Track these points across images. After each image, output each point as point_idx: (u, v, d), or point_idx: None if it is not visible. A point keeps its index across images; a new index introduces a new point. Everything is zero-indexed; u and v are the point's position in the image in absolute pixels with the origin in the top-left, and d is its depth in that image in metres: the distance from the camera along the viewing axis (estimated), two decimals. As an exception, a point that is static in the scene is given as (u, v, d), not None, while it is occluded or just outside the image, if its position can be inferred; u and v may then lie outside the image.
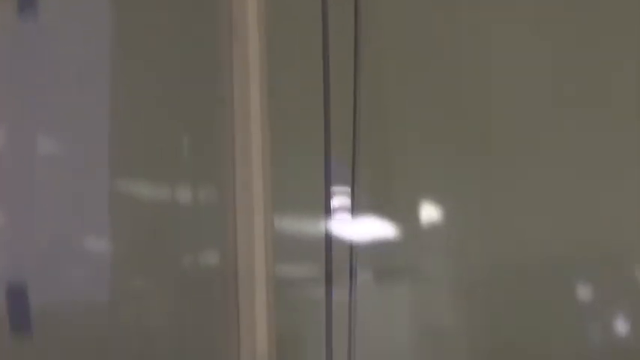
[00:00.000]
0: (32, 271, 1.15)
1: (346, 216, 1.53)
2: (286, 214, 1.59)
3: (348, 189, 1.52)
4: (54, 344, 1.19)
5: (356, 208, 1.52)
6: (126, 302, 1.36)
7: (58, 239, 1.22)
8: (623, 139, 1.46)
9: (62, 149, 1.29)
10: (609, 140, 1.46)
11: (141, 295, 1.38)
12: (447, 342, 1.53)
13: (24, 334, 1.12)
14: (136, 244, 1.40)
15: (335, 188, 1.52)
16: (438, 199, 1.56)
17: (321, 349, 1.46)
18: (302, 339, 1.56)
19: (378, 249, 1.54)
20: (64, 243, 1.23)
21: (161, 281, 1.43)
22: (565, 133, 1.48)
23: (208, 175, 1.54)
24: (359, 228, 1.52)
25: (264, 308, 1.52)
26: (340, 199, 1.52)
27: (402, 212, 1.56)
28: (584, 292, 1.49)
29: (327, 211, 1.52)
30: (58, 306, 1.21)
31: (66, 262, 1.23)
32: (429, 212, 1.57)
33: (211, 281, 1.53)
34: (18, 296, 1.11)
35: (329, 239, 1.52)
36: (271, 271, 1.52)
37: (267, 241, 1.51)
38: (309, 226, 1.57)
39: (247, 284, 1.50)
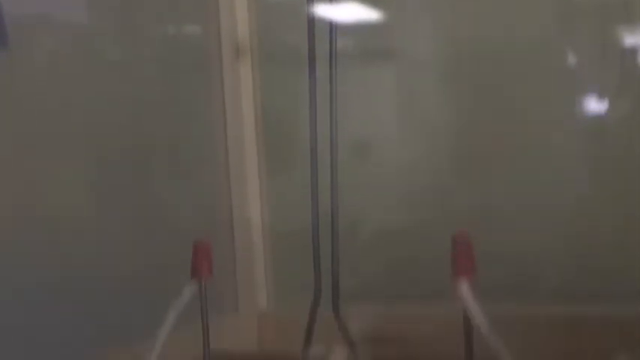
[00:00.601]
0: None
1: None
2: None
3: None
4: (31, 58, 1.20)
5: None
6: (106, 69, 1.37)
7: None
8: None
9: None
10: None
11: (122, 52, 1.39)
12: (426, 118, 1.55)
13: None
14: (114, 14, 1.40)
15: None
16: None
17: (305, 126, 1.48)
18: (286, 118, 1.58)
19: (360, 30, 1.55)
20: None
21: (142, 49, 1.44)
22: None
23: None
24: (341, 7, 1.52)
25: (249, 83, 1.54)
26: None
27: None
28: (572, 68, 1.47)
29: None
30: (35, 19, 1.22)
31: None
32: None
33: (194, 52, 1.54)
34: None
35: (311, 19, 1.52)
36: (255, 45, 1.53)
37: (250, 11, 1.51)
38: (290, 6, 1.57)
39: (230, 55, 1.52)
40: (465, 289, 1.04)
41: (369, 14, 1.54)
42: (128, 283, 1.37)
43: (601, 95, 1.45)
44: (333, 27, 1.50)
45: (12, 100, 1.20)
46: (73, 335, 1.26)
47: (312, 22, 1.52)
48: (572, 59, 1.48)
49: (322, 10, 1.50)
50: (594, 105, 1.46)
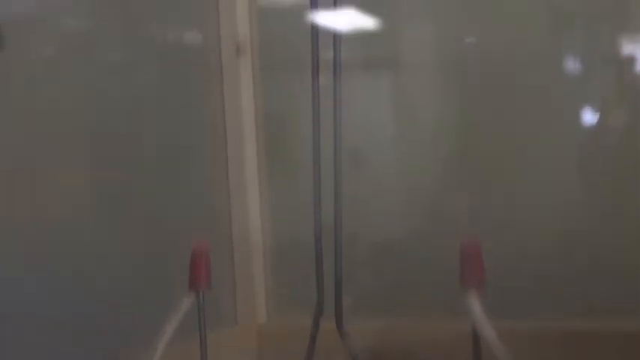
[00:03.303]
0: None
1: (331, 5, 1.51)
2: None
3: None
4: (28, 59, 1.18)
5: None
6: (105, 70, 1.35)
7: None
8: None
9: None
10: None
11: (123, 64, 1.37)
12: (425, 125, 1.54)
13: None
14: (114, 18, 1.38)
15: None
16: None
17: (305, 135, 1.46)
18: (289, 123, 1.56)
19: (362, 39, 1.53)
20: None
21: (143, 55, 1.42)
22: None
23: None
24: (343, 18, 1.50)
25: (250, 89, 1.52)
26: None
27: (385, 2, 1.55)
28: (569, 78, 1.46)
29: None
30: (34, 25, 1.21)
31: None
32: (412, 3, 1.55)
33: (195, 59, 1.52)
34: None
35: (315, 29, 1.50)
36: (256, 52, 1.51)
37: (252, 21, 1.49)
38: (293, 11, 1.55)
39: (231, 63, 1.49)
40: (473, 300, 1.01)
41: (370, 22, 1.52)
42: (125, 294, 1.34)
43: (598, 105, 1.44)
44: (337, 37, 1.49)
45: (8, 101, 1.18)
46: (69, 348, 1.22)
47: (315, 29, 1.50)
48: (569, 69, 1.46)
49: (324, 17, 1.49)
50: (591, 115, 1.44)
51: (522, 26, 1.46)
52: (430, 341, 1.33)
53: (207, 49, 1.52)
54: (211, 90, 1.52)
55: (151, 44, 1.46)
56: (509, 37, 1.47)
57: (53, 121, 1.25)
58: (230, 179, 1.52)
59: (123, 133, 1.37)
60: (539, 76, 1.45)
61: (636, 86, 1.42)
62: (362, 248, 1.52)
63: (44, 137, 1.24)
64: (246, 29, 1.50)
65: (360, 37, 1.52)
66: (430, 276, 1.47)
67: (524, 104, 1.46)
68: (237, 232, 1.51)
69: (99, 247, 1.30)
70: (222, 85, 1.50)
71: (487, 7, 1.47)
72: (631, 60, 1.40)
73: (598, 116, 1.44)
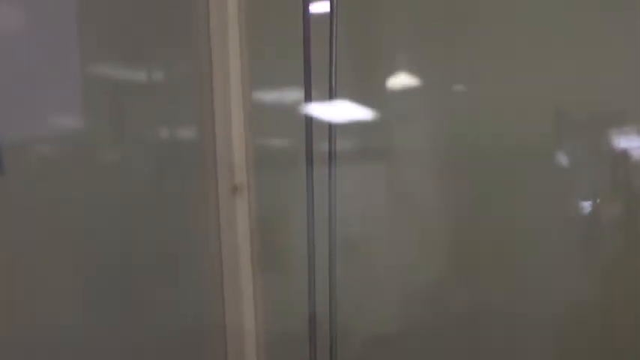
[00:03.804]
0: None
1: (326, 96, 1.51)
2: (265, 93, 1.57)
3: (328, 70, 1.50)
4: (26, 182, 1.18)
5: (335, 89, 1.50)
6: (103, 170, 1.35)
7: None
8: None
9: (29, 24, 1.27)
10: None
11: (118, 162, 1.37)
12: (420, 215, 1.52)
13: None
14: (111, 118, 1.38)
15: (314, 69, 1.50)
16: (417, 81, 1.53)
17: (302, 223, 1.44)
18: (284, 214, 1.55)
19: (356, 129, 1.53)
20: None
21: (139, 152, 1.41)
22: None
23: (184, 51, 1.51)
24: (338, 109, 1.50)
25: (244, 186, 1.51)
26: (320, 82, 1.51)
27: (380, 93, 1.53)
28: (566, 169, 1.45)
29: (307, 92, 1.50)
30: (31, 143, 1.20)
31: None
32: (407, 94, 1.55)
33: (189, 154, 1.52)
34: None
35: (309, 119, 1.50)
36: (250, 145, 1.50)
37: (245, 116, 1.49)
38: (288, 107, 1.55)
39: (225, 157, 1.49)
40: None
41: (364, 113, 1.52)
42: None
43: (594, 197, 1.43)
44: (332, 128, 1.48)
45: (8, 221, 1.17)
46: None
47: (309, 121, 1.50)
48: (566, 162, 1.46)
49: (319, 109, 1.49)
50: (587, 206, 1.44)
51: (520, 118, 1.45)
52: None
53: (202, 153, 1.52)
54: (205, 192, 1.51)
55: (147, 149, 1.46)
56: (506, 128, 1.46)
57: (48, 234, 1.24)
58: (225, 283, 1.50)
59: (117, 238, 1.35)
60: (537, 169, 1.44)
61: (631, 180, 1.41)
62: (357, 342, 1.49)
63: (40, 247, 1.23)
64: (242, 135, 1.51)
65: (353, 127, 1.51)
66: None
67: (521, 195, 1.45)
68: (231, 335, 1.49)
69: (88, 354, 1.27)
70: (217, 187, 1.50)
71: (483, 99, 1.47)
72: (626, 154, 1.40)
73: (594, 209, 1.43)
